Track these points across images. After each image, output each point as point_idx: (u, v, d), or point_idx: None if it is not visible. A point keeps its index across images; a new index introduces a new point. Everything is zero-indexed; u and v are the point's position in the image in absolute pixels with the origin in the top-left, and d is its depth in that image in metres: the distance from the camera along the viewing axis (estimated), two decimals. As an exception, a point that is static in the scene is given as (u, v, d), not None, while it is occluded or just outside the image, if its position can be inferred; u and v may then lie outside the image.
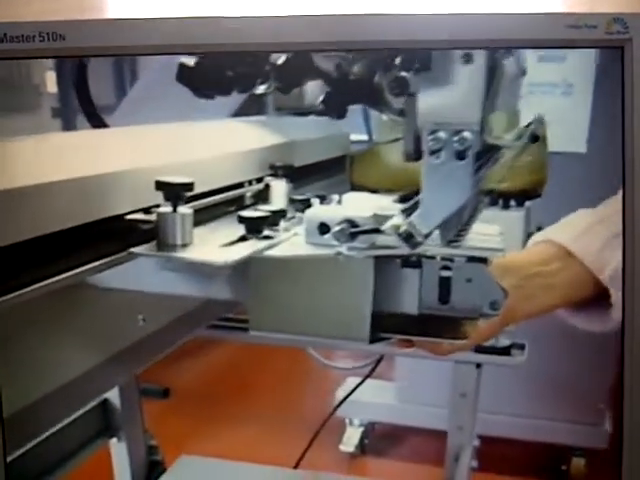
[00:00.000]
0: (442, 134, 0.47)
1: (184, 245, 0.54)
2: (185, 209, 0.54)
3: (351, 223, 0.54)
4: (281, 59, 0.52)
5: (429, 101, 0.47)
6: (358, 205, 0.69)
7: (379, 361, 1.40)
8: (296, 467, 1.32)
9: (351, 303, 0.54)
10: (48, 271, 0.48)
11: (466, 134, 0.46)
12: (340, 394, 1.77)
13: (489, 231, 0.58)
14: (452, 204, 0.47)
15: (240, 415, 2.05)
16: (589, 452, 1.71)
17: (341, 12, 0.41)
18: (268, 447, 1.86)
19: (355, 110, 1.42)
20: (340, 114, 0.53)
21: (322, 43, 0.42)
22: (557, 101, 1.47)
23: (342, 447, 1.84)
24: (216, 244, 0.55)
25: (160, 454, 1.23)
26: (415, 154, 0.49)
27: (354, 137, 1.10)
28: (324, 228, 0.55)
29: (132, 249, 0.52)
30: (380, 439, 1.94)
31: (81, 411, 1.00)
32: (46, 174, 0.48)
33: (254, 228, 0.56)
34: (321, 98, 0.52)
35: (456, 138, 0.46)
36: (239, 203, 0.71)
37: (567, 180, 1.13)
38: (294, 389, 2.29)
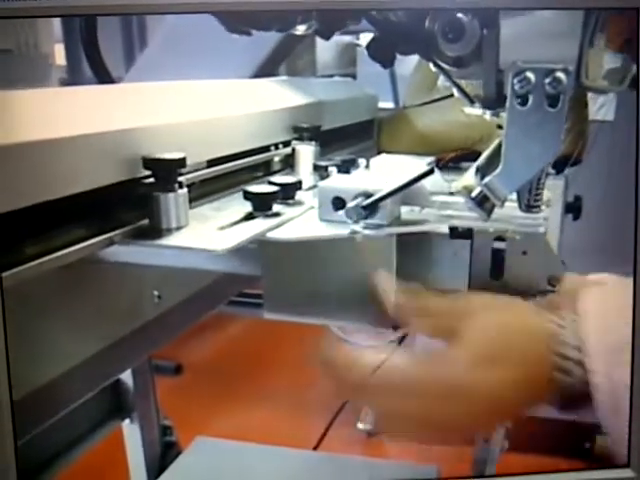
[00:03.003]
0: (531, 75, 0.39)
1: (178, 228, 0.48)
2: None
3: (370, 197, 0.47)
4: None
5: (514, 35, 0.40)
6: (385, 172, 0.62)
7: (402, 340, 1.34)
8: (315, 448, 1.28)
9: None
10: (52, 244, 0.42)
11: (560, 75, 0.39)
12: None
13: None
14: (540, 161, 0.40)
15: (254, 392, 2.02)
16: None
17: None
18: (284, 425, 1.83)
19: (380, 75, 1.36)
20: (386, 62, 0.46)
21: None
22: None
23: (359, 425, 1.80)
24: (215, 226, 0.49)
25: (174, 435, 1.20)
26: (496, 101, 0.42)
27: (380, 105, 1.04)
28: (339, 203, 0.48)
29: (114, 236, 0.47)
30: (398, 417, 1.90)
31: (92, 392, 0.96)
32: (51, 129, 0.42)
33: (261, 205, 0.50)
34: (366, 43, 0.45)
35: (548, 80, 0.39)
36: (266, 168, 0.65)
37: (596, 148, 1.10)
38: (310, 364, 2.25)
